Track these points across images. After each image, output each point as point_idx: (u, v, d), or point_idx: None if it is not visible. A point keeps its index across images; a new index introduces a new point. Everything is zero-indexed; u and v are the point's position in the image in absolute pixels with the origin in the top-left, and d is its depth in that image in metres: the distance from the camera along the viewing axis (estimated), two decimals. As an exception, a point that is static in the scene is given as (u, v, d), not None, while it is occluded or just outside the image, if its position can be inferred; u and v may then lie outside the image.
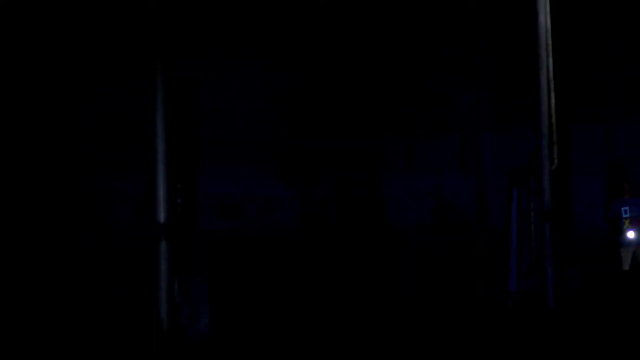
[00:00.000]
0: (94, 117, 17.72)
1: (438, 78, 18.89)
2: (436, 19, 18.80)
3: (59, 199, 17.37)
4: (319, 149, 19.12)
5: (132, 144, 17.62)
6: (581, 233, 16.72)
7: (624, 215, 14.84)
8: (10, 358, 10.88)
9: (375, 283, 18.38)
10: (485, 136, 18.57)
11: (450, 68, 18.80)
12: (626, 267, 14.81)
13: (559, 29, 13.27)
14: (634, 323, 12.60)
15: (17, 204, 17.01)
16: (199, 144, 13.27)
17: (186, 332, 10.66)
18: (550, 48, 12.64)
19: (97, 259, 17.49)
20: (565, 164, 13.67)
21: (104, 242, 17.57)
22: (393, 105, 19.20)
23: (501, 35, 18.28)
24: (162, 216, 10.63)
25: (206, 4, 17.66)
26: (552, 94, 12.73)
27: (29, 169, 17.17)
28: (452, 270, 18.48)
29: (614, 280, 16.83)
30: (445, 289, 17.48)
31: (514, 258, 13.53)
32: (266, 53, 18.73)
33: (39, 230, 17.12)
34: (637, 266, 14.83)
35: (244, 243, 18.46)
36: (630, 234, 14.77)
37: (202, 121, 15.33)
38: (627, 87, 17.47)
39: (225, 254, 18.01)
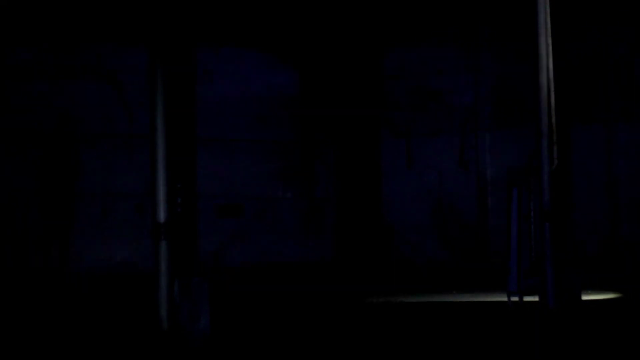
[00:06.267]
0: (94, 115, 17.71)
1: (438, 78, 18.90)
2: (436, 19, 18.81)
3: (57, 198, 17.36)
4: (319, 149, 19.13)
5: (132, 144, 17.61)
6: (581, 232, 16.73)
7: None
8: (9, 356, 10.89)
9: (372, 282, 18.39)
10: (485, 136, 18.57)
11: (450, 68, 18.80)
12: None
13: (559, 29, 13.27)
14: (634, 323, 12.60)
15: (16, 203, 17.01)
16: (199, 144, 13.27)
17: (186, 332, 10.66)
18: (550, 48, 12.62)
19: (96, 258, 17.49)
20: (565, 164, 13.65)
21: (102, 241, 17.55)
22: (392, 104, 19.20)
23: (501, 35, 18.29)
24: (162, 216, 10.63)
25: (207, 3, 17.65)
26: (552, 94, 12.70)
27: (28, 168, 17.17)
28: (451, 270, 18.48)
29: (612, 279, 16.84)
30: (445, 288, 17.48)
31: (514, 258, 13.50)
32: (267, 53, 18.73)
33: (37, 229, 17.12)
34: None
35: (244, 242, 18.46)
36: None
37: (203, 121, 15.33)
38: (627, 87, 17.48)
39: (225, 254, 18.00)
